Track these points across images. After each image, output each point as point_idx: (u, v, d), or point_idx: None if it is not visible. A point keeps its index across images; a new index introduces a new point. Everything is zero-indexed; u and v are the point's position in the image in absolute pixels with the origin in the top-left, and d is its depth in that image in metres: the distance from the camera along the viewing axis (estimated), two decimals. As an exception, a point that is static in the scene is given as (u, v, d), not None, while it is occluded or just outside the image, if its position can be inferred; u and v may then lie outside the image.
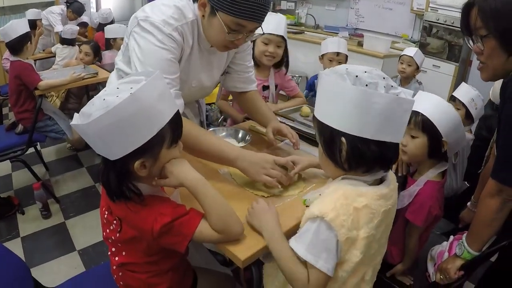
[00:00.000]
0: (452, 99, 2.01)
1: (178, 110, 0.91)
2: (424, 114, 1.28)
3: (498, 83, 2.24)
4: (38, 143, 2.79)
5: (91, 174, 3.05)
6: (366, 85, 0.79)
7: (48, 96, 3.00)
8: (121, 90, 0.82)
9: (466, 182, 2.04)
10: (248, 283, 1.30)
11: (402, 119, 0.81)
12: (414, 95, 2.35)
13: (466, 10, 1.09)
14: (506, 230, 1.20)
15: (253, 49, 1.97)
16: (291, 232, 0.98)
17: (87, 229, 2.38)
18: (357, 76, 0.80)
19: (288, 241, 0.91)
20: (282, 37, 1.97)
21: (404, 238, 1.41)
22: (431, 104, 1.31)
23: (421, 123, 1.29)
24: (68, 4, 4.38)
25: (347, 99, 0.79)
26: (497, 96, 2.21)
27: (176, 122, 0.90)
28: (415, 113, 1.29)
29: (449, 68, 3.83)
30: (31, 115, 2.47)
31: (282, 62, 2.10)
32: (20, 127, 2.54)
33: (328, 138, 0.86)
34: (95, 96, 0.86)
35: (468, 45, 1.13)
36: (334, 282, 0.88)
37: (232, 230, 0.93)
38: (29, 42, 2.49)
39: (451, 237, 1.44)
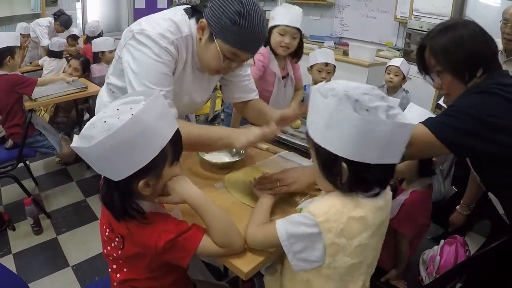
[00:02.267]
0: (438, 107, 2.08)
1: (178, 128, 0.93)
2: None
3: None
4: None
5: (82, 188, 3.03)
6: (367, 110, 0.78)
7: (37, 110, 2.98)
8: (122, 112, 0.83)
9: (453, 187, 2.10)
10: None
11: (402, 142, 0.82)
12: (401, 103, 2.43)
13: (419, 52, 1.21)
14: (495, 232, 1.25)
15: (269, 39, 2.07)
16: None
17: (80, 244, 2.36)
18: (357, 100, 0.79)
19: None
20: (298, 29, 2.06)
21: (395, 245, 1.45)
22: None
23: None
24: (55, 17, 4.36)
25: (348, 126, 0.78)
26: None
27: (176, 139, 0.92)
28: None
29: (433, 75, 3.93)
30: (22, 130, 2.45)
31: (298, 52, 2.20)
32: (10, 142, 2.52)
33: (327, 162, 0.86)
34: (95, 118, 0.86)
35: (429, 82, 1.22)
36: (332, 281, 0.90)
37: (234, 243, 0.95)
38: (10, 56, 2.43)
39: (442, 241, 1.49)
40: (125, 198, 0.89)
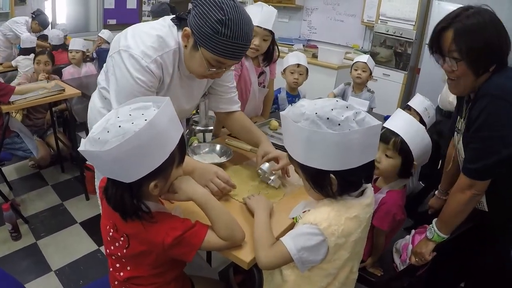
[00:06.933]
0: (408, 108, 2.23)
1: (183, 132, 1.00)
2: (403, 138, 1.39)
3: (445, 91, 2.52)
4: None
5: (58, 192, 2.99)
6: (339, 124, 0.86)
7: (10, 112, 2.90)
8: (135, 117, 0.87)
9: (420, 182, 2.27)
10: (240, 286, 1.41)
11: (375, 141, 0.92)
12: (369, 105, 2.55)
13: (439, 31, 1.19)
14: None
15: None
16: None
17: (61, 249, 2.36)
18: (328, 118, 0.86)
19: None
20: (270, 30, 1.91)
21: (372, 237, 1.58)
22: (410, 128, 1.42)
23: (399, 146, 1.40)
24: (33, 16, 4.21)
25: (328, 143, 0.86)
26: (445, 103, 2.49)
27: (182, 143, 0.99)
28: (394, 134, 1.40)
29: (398, 76, 4.16)
30: (-1, 131, 2.42)
31: (269, 55, 2.06)
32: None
33: (315, 177, 0.95)
34: (104, 122, 0.88)
35: (437, 62, 1.24)
36: (326, 277, 1.01)
37: (236, 236, 1.03)
38: None
39: (413, 231, 1.62)
40: (136, 199, 0.94)
